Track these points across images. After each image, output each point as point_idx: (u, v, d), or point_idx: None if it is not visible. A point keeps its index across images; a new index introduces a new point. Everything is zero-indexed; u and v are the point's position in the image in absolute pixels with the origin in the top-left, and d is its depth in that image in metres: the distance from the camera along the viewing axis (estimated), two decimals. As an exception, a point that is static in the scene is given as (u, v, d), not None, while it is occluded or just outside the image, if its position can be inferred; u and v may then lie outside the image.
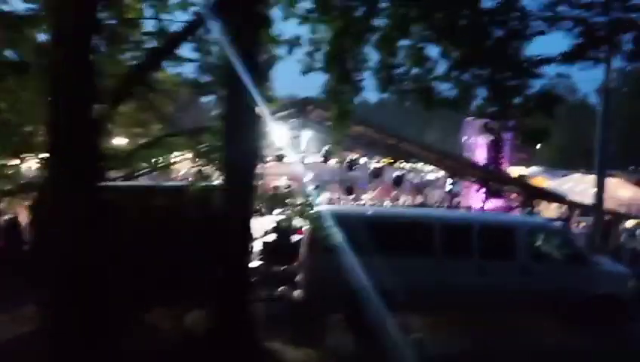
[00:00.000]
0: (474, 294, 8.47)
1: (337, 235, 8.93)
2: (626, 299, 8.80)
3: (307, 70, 8.40)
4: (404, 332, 8.89)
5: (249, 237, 5.86)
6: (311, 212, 8.31)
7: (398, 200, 25.23)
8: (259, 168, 6.24)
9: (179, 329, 7.44)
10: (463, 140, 23.72)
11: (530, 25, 5.45)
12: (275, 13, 8.64)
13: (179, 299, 7.82)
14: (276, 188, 15.01)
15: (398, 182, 15.25)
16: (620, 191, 31.25)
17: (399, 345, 8.45)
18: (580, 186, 33.26)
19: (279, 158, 14.44)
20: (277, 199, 7.74)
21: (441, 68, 7.70)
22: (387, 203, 22.94)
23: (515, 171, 41.73)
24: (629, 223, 27.32)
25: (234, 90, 5.70)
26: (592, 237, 15.88)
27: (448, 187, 17.04)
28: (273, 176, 17.99)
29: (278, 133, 15.59)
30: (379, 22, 7.81)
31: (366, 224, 9.06)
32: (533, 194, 15.68)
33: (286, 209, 8.00)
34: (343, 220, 9.16)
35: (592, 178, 35.41)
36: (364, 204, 16.39)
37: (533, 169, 48.84)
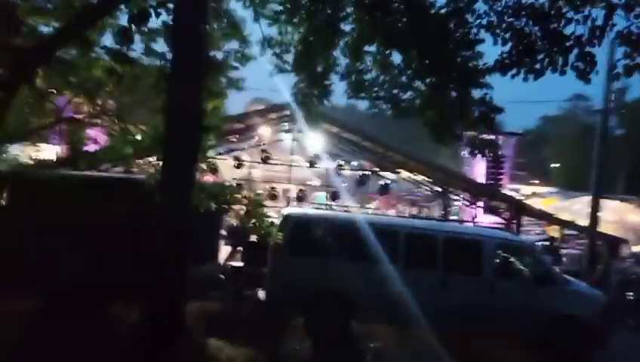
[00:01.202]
0: (435, 307, 8.29)
1: (304, 238, 8.93)
2: (594, 322, 8.50)
3: (277, 71, 8.43)
4: (362, 340, 8.83)
5: (185, 235, 5.77)
6: (261, 214, 8.24)
7: (399, 210, 25.12)
8: (198, 163, 6.21)
9: (106, 327, 7.44)
10: (462, 155, 23.46)
11: (472, 33, 5.38)
12: (246, 13, 8.74)
13: (107, 297, 7.77)
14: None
15: (383, 191, 15.16)
16: (630, 216, 30.62)
17: (355, 353, 8.38)
18: (588, 208, 32.69)
19: (265, 161, 14.50)
20: (213, 194, 7.60)
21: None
22: (391, 213, 22.93)
23: (514, 188, 41.24)
24: (636, 248, 26.79)
25: (178, 82, 5.70)
26: (582, 258, 15.56)
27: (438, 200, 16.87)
28: (262, 178, 18.18)
29: (266, 136, 15.79)
30: (346, 27, 7.82)
31: (331, 228, 9.01)
32: (521, 212, 15.38)
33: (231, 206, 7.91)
34: (310, 224, 9.16)
35: (606, 201, 34.85)
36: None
37: (547, 189, 48.20)
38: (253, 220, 8.46)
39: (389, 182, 15.62)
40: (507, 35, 4.60)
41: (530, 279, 8.71)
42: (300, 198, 15.02)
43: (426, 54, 6.14)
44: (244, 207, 8.41)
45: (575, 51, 4.20)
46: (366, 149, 14.95)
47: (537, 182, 51.97)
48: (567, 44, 4.24)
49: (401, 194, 28.22)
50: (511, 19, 4.60)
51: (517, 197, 18.85)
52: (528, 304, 8.48)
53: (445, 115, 6.21)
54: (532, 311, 8.45)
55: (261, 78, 8.33)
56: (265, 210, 8.75)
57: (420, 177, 16.68)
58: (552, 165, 56.24)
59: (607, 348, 8.62)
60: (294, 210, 10.29)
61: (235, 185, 9.65)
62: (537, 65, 4.43)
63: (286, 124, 14.81)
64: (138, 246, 5.80)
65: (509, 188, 44.16)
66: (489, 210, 17.99)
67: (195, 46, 5.77)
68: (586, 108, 56.94)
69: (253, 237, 11.36)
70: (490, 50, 5.70)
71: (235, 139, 14.33)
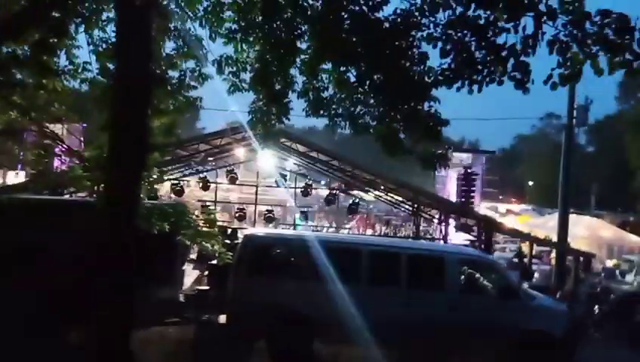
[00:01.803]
0: (398, 326, 8.16)
1: (264, 260, 8.76)
2: (559, 337, 8.45)
3: (233, 90, 8.35)
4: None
5: (127, 258, 5.52)
6: (211, 235, 8.04)
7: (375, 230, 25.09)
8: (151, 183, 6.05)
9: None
10: (435, 173, 23.65)
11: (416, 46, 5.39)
12: (202, 32, 8.69)
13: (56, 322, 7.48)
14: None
15: (352, 210, 15.10)
16: (602, 231, 31.14)
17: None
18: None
19: (231, 181, 14.37)
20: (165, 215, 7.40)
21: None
22: (368, 233, 22.90)
23: (490, 206, 41.67)
24: (609, 263, 27.12)
25: (121, 99, 5.57)
26: (552, 274, 15.64)
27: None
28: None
29: (237, 156, 15.69)
30: (302, 44, 7.80)
31: (292, 249, 8.87)
32: (490, 229, 15.45)
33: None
34: (271, 245, 9.01)
35: (579, 217, 35.44)
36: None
37: (522, 207, 48.79)
38: (203, 241, 8.22)
39: (357, 200, 15.59)
40: (448, 47, 4.61)
41: (494, 295, 8.65)
42: (269, 219, 14.85)
43: (378, 70, 6.12)
44: (194, 229, 8.17)
45: (511, 61, 4.21)
46: (334, 169, 14.93)
47: (513, 200, 52.74)
48: (503, 53, 4.25)
49: (378, 214, 28.30)
50: (450, 31, 4.62)
51: (488, 215, 18.95)
52: (492, 320, 8.41)
53: (394, 129, 6.17)
54: (496, 327, 8.37)
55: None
56: (216, 230, 8.53)
57: (390, 196, 16.68)
58: (528, 183, 57.22)
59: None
60: (254, 230, 10.14)
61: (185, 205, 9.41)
62: (478, 77, 4.43)
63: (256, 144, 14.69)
64: (86, 270, 5.57)
65: (485, 207, 44.78)
66: (460, 227, 18.04)
67: (139, 62, 5.66)
68: (558, 127, 58.25)
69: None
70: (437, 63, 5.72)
71: (203, 160, 14.15)
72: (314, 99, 8.29)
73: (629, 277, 24.16)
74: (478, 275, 8.94)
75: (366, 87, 6.32)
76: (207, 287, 11.23)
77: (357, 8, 6.28)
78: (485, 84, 4.50)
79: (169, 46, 8.57)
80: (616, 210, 40.30)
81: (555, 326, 8.52)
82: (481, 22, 4.31)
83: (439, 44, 4.73)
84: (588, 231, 30.92)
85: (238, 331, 8.56)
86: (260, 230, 10.86)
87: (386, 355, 8.79)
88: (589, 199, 43.88)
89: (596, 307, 12.57)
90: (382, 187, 15.50)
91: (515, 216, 41.04)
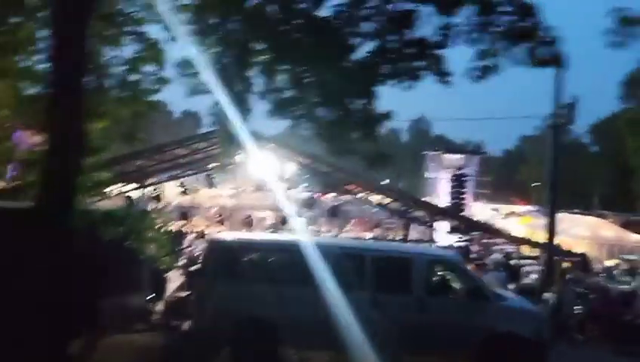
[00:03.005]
0: (366, 328, 8.00)
1: (230, 264, 8.65)
2: (529, 339, 8.24)
3: (193, 92, 8.30)
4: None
5: (61, 265, 5.41)
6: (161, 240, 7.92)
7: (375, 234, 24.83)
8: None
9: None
10: (426, 175, 23.49)
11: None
12: (161, 34, 8.66)
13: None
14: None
15: (334, 213, 14.97)
16: (603, 231, 30.71)
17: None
18: (562, 225, 32.78)
19: (210, 186, 14.31)
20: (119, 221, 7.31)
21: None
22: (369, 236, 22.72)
23: (494, 207, 41.31)
24: (609, 263, 26.76)
25: (57, 100, 5.51)
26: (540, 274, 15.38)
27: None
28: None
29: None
30: (259, 46, 7.74)
31: (258, 252, 8.76)
32: (473, 228, 15.25)
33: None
34: (237, 249, 8.89)
35: (580, 217, 34.97)
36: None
37: (527, 208, 48.39)
38: (153, 246, 8.11)
39: (338, 204, 15.47)
40: (371, 41, 4.52)
41: (463, 296, 8.48)
42: (248, 223, 14.76)
43: (317, 67, 6.05)
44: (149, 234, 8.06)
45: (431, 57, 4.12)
46: (315, 171, 14.80)
47: (518, 200, 52.25)
48: (419, 49, 4.15)
49: (378, 218, 28.09)
50: (372, 25, 4.53)
51: (474, 217, 18.76)
52: (460, 322, 8.24)
53: (335, 126, 6.09)
54: (464, 329, 8.19)
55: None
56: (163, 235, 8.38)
57: (377, 199, 16.54)
58: (533, 184, 56.71)
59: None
60: (221, 235, 10.04)
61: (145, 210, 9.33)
62: (398, 71, 4.33)
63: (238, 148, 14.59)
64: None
65: (489, 208, 44.40)
66: (452, 230, 17.85)
67: (75, 62, 5.60)
68: (562, 128, 57.60)
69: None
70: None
71: (184, 163, 14.06)
72: (275, 100, 8.23)
73: (629, 277, 23.79)
74: (446, 276, 8.77)
75: (306, 84, 6.26)
76: (186, 293, 11.16)
77: (301, 6, 6.23)
78: (412, 79, 4.40)
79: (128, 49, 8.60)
80: (620, 209, 39.73)
81: (525, 328, 8.31)
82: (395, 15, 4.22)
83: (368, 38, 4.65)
84: (589, 231, 30.50)
85: (203, 337, 8.44)
86: (226, 234, 10.75)
87: (353, 358, 8.67)
88: (592, 199, 43.43)
89: (577, 307, 12.29)
90: (364, 189, 15.35)
91: (518, 217, 40.69)
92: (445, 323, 8.22)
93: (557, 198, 15.93)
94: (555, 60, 3.73)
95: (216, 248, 8.61)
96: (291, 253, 8.84)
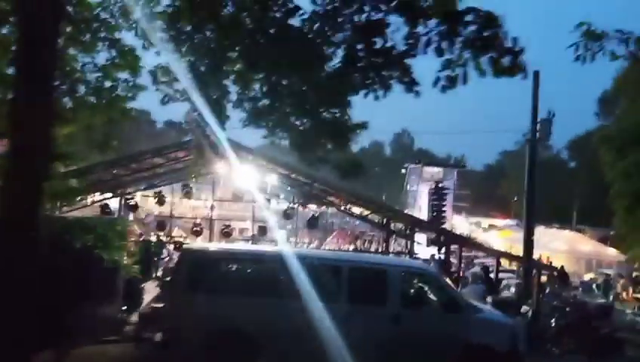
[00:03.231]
0: (341, 340, 7.91)
1: (203, 275, 8.51)
2: (502, 352, 8.23)
3: (167, 100, 8.22)
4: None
5: (27, 276, 5.23)
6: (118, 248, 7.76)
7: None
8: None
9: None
10: (407, 188, 23.58)
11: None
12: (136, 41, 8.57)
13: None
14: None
15: (312, 224, 14.93)
16: (580, 245, 31.19)
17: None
18: (541, 239, 33.21)
19: (187, 196, 14.18)
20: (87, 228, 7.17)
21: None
22: (350, 248, 22.64)
23: (475, 221, 41.55)
24: (586, 276, 27.08)
25: (21, 105, 5.38)
26: (519, 287, 15.47)
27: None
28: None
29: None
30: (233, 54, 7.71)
31: (232, 263, 8.64)
32: (452, 241, 15.32)
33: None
34: (210, 259, 8.76)
35: (558, 231, 35.41)
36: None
37: (507, 222, 48.88)
38: (120, 255, 7.96)
39: (317, 215, 15.43)
40: (340, 50, 4.53)
41: (437, 308, 8.46)
42: (227, 234, 14.61)
43: (298, 76, 6.04)
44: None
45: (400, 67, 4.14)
46: (296, 183, 14.76)
47: (498, 215, 52.78)
48: (387, 58, 4.16)
49: (361, 230, 28.16)
50: (343, 34, 4.53)
51: (457, 231, 18.84)
52: (434, 334, 8.19)
53: (307, 136, 6.07)
54: (438, 342, 8.15)
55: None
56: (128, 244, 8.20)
57: (358, 210, 16.53)
58: (514, 198, 57.34)
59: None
60: (194, 245, 9.90)
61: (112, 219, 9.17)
62: (367, 81, 4.34)
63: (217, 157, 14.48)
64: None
65: (470, 222, 44.67)
66: (431, 242, 17.87)
67: (43, 65, 5.48)
68: (541, 145, 58.60)
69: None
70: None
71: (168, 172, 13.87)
72: (250, 109, 8.18)
73: (606, 292, 24.10)
74: (420, 288, 8.74)
75: (280, 93, 6.23)
76: (162, 304, 10.95)
77: (274, 15, 6.22)
78: (382, 88, 4.40)
79: (102, 56, 8.49)
80: (597, 224, 40.34)
81: (499, 341, 8.30)
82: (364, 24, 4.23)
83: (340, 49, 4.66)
84: (567, 245, 30.98)
85: (175, 349, 8.26)
86: (200, 245, 10.62)
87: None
88: (570, 214, 44.05)
89: (553, 320, 12.36)
90: (345, 201, 15.34)
91: (498, 231, 41.10)
92: (419, 335, 8.17)
93: (533, 212, 16.07)
94: (518, 70, 3.76)
95: (189, 259, 8.47)
96: (265, 263, 8.76)
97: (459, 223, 44.20)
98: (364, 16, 4.22)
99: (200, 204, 16.88)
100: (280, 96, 6.20)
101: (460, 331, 8.27)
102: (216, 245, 10.89)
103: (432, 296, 8.65)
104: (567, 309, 13.32)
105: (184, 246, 9.09)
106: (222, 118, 8.35)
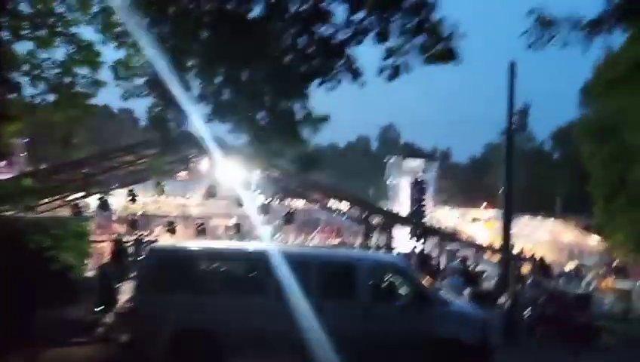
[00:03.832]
0: (310, 336, 7.81)
1: (168, 273, 8.36)
2: (472, 345, 8.18)
3: (128, 96, 8.04)
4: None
5: None
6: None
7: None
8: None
9: None
10: (388, 182, 23.53)
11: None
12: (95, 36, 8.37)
13: None
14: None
15: (288, 220, 14.81)
16: (563, 235, 31.42)
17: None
18: (524, 230, 33.45)
19: (159, 194, 13.98)
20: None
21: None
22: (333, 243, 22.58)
23: (438, 212, 41.68)
24: (568, 266, 27.31)
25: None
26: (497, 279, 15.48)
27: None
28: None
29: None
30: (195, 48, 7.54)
31: (199, 262, 8.48)
32: (432, 234, 15.29)
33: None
34: (176, 258, 8.61)
35: (541, 221, 35.61)
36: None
37: (492, 213, 49.14)
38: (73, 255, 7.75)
39: (293, 211, 15.30)
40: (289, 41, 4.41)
41: (407, 302, 8.38)
42: (201, 231, 14.44)
43: (251, 69, 5.90)
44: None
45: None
46: (273, 179, 14.59)
47: (485, 206, 53.04)
48: (329, 47, 4.06)
49: (334, 225, 28.12)
50: (288, 25, 4.41)
51: (442, 223, 18.84)
52: (404, 327, 8.12)
53: (261, 128, 5.95)
54: (408, 335, 8.08)
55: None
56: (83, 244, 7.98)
57: (337, 206, 16.45)
58: (500, 190, 57.59)
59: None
60: (160, 243, 9.73)
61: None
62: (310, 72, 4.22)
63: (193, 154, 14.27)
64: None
65: (456, 213, 44.69)
66: (411, 236, 17.86)
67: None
68: (525, 136, 59.03)
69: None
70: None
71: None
72: (213, 104, 8.03)
73: (586, 281, 24.30)
74: (390, 282, 8.66)
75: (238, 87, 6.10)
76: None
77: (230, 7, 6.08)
78: (329, 80, 4.30)
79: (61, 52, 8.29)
80: (582, 212, 40.71)
81: (469, 334, 8.25)
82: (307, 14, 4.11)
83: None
84: (550, 235, 31.24)
85: (140, 350, 8.11)
86: (166, 243, 10.44)
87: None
88: (554, 204, 44.37)
89: (527, 311, 12.38)
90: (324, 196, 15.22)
91: (484, 222, 41.27)
92: (388, 328, 8.10)
93: (511, 203, 16.09)
94: (449, 56, 3.68)
95: (154, 257, 8.32)
96: (232, 261, 8.63)
97: (445, 215, 44.35)
98: (308, 5, 4.11)
99: (172, 202, 16.67)
100: (239, 90, 6.06)
101: (428, 324, 8.21)
102: (183, 243, 10.68)
103: (401, 290, 8.56)
104: (546, 299, 13.33)
105: (151, 245, 8.90)
106: (182, 113, 8.21)
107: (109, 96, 8.78)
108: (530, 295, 14.06)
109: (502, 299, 13.73)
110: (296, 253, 8.80)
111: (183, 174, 15.18)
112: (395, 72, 3.96)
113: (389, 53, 3.87)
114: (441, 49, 3.59)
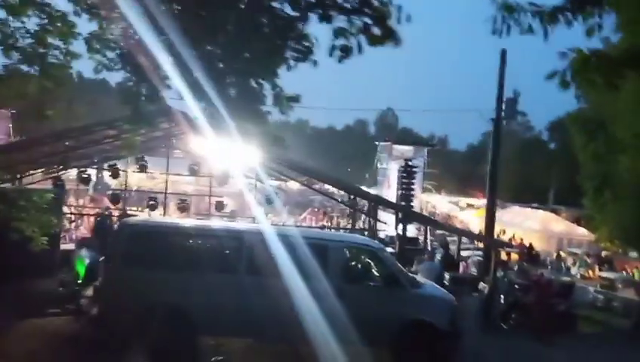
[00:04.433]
0: (279, 315, 7.85)
1: (140, 249, 8.35)
2: (441, 327, 8.23)
3: (100, 69, 7.94)
4: (203, 356, 8.28)
5: None
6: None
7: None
8: None
9: None
10: (376, 165, 23.49)
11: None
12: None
13: None
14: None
15: (269, 201, 14.80)
16: (553, 225, 31.54)
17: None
18: (515, 219, 33.55)
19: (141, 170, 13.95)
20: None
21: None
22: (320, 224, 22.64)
23: (454, 200, 41.75)
24: (556, 255, 27.45)
25: None
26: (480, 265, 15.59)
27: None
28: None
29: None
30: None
31: (170, 238, 8.49)
32: (417, 219, 15.33)
33: None
34: (148, 234, 8.59)
35: (533, 211, 35.71)
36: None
37: (485, 201, 49.15)
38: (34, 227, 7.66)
39: (275, 192, 15.28)
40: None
41: (378, 284, 8.42)
42: (182, 208, 14.42)
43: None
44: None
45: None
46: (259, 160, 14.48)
47: (479, 194, 53.18)
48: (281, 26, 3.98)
49: (319, 207, 28.26)
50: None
51: (436, 210, 18.81)
52: (374, 308, 8.16)
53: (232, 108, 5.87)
54: (377, 317, 8.11)
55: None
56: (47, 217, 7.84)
57: (324, 189, 16.44)
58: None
59: (458, 354, 8.39)
60: (132, 219, 9.72)
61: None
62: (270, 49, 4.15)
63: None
64: None
65: (448, 201, 44.75)
66: (397, 220, 17.87)
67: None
68: (523, 125, 58.93)
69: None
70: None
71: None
72: (185, 80, 7.94)
73: (574, 270, 24.50)
74: (363, 263, 8.68)
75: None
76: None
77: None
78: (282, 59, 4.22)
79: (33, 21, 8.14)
80: (572, 205, 40.84)
81: (438, 317, 8.30)
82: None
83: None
84: (540, 224, 31.32)
85: (110, 324, 8.14)
86: (138, 218, 10.44)
87: (268, 346, 8.56)
88: (547, 195, 44.46)
89: (501, 297, 12.46)
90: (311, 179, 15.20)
91: (476, 209, 41.41)
92: (360, 309, 8.12)
93: (495, 190, 16.15)
94: (388, 37, 3.61)
95: (126, 232, 8.32)
96: (204, 238, 8.62)
97: (438, 202, 44.47)
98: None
99: (155, 177, 16.62)
100: (205, 66, 5.99)
101: (398, 306, 8.26)
102: (155, 219, 10.70)
103: (373, 272, 8.59)
104: (527, 286, 13.36)
105: (122, 219, 8.89)
106: (155, 88, 8.11)
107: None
108: (510, 281, 14.12)
109: (482, 285, 13.83)
110: (268, 232, 8.78)
111: (178, 151, 15.12)
112: (345, 53, 3.90)
113: (336, 33, 3.81)
114: (383, 31, 3.52)
